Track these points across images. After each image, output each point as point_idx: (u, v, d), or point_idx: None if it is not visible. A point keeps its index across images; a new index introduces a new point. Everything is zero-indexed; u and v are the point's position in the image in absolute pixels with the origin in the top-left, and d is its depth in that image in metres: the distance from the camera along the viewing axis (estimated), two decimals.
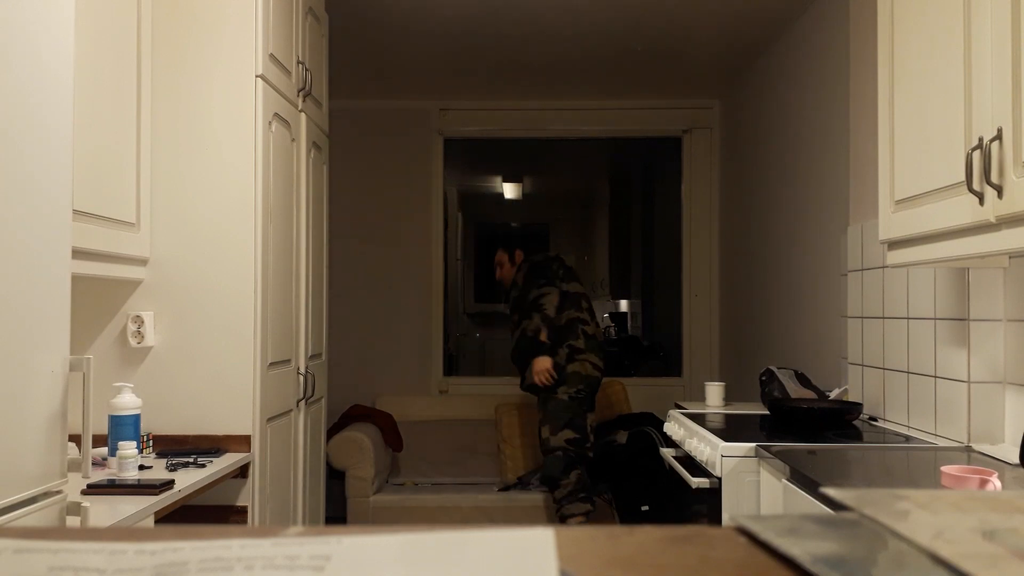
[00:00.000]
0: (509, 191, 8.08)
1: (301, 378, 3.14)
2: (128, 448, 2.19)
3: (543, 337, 4.15)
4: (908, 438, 2.48)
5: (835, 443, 2.38)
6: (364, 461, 4.44)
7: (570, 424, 4.10)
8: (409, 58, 4.60)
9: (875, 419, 2.81)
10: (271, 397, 2.76)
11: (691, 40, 4.34)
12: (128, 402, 2.33)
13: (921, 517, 0.48)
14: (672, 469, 2.73)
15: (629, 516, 4.30)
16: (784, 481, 2.08)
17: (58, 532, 0.47)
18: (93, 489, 2.04)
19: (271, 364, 2.76)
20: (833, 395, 3.07)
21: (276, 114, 2.81)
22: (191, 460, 2.39)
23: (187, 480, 2.19)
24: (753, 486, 2.30)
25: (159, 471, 2.29)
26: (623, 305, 7.80)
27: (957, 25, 1.83)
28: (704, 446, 2.48)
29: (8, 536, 0.46)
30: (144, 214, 2.56)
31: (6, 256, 1.41)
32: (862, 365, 2.96)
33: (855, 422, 2.76)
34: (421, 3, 3.81)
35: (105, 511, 1.87)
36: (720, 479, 2.32)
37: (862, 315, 2.96)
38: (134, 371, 2.59)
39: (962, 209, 1.79)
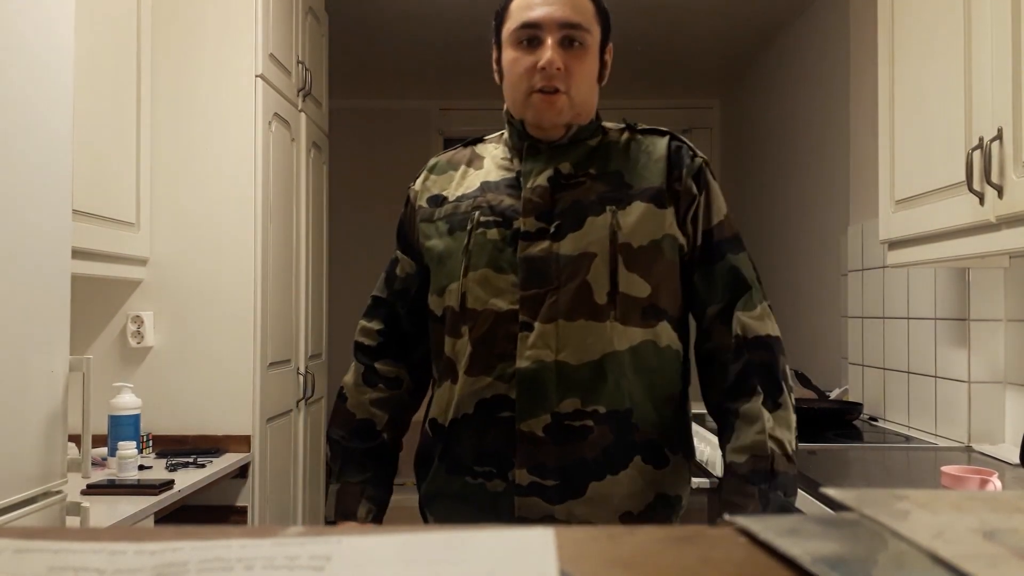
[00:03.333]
0: None
1: (301, 378, 3.13)
2: (128, 448, 2.19)
3: None
4: (908, 438, 2.48)
5: (835, 443, 2.38)
6: None
7: None
8: (409, 58, 4.60)
9: (875, 419, 2.81)
10: (271, 397, 2.76)
11: (691, 40, 4.34)
12: (128, 402, 2.33)
13: (921, 517, 0.48)
14: None
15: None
16: None
17: (58, 532, 0.47)
18: (93, 489, 2.05)
19: (271, 364, 2.76)
20: (833, 395, 3.07)
21: (276, 114, 2.81)
22: (191, 460, 2.39)
23: (187, 480, 2.19)
24: None
25: (159, 471, 2.29)
26: None
27: (957, 24, 1.83)
28: (704, 446, 2.48)
29: (8, 536, 0.46)
30: (144, 214, 2.56)
31: (6, 256, 1.41)
32: (862, 365, 2.95)
33: (855, 422, 2.75)
34: (421, 3, 3.81)
35: (105, 511, 1.87)
36: (720, 479, 2.32)
37: (862, 315, 2.96)
38: (134, 371, 2.59)
39: (962, 209, 1.79)
